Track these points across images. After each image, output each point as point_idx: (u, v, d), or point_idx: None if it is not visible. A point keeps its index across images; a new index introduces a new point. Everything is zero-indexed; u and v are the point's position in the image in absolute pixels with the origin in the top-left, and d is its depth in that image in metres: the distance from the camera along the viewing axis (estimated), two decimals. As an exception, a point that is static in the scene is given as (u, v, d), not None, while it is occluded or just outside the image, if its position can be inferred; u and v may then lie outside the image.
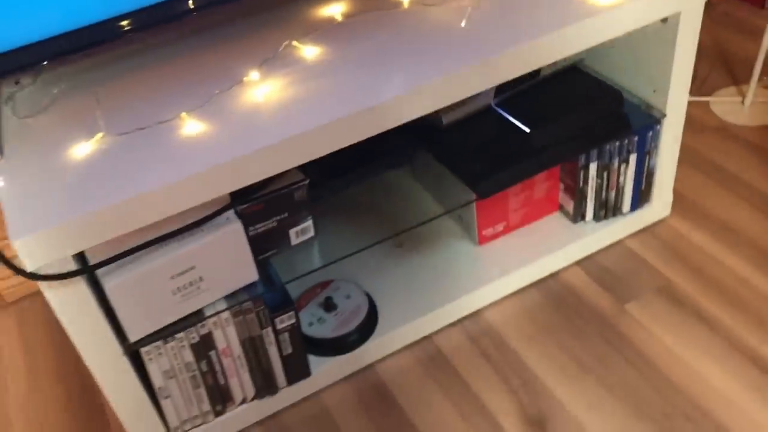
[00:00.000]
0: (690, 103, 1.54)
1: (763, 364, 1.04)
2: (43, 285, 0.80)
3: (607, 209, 1.22)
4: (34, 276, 0.78)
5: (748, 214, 1.28)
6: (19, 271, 0.78)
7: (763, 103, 1.50)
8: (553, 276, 1.22)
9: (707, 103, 1.53)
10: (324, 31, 1.01)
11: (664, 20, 1.06)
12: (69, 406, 1.15)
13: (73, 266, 0.80)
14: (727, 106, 1.52)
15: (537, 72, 1.12)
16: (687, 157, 1.41)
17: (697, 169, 1.38)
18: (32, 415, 1.15)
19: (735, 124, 1.47)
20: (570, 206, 1.23)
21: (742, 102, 1.51)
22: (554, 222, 1.25)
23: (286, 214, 0.95)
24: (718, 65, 1.64)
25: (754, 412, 0.99)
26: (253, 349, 0.99)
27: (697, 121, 1.49)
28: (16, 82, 0.98)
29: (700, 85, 1.59)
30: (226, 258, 0.90)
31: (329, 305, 1.12)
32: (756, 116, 1.48)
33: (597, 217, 1.23)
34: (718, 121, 1.49)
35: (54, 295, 0.81)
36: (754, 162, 1.38)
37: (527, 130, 1.07)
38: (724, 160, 1.39)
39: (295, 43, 0.98)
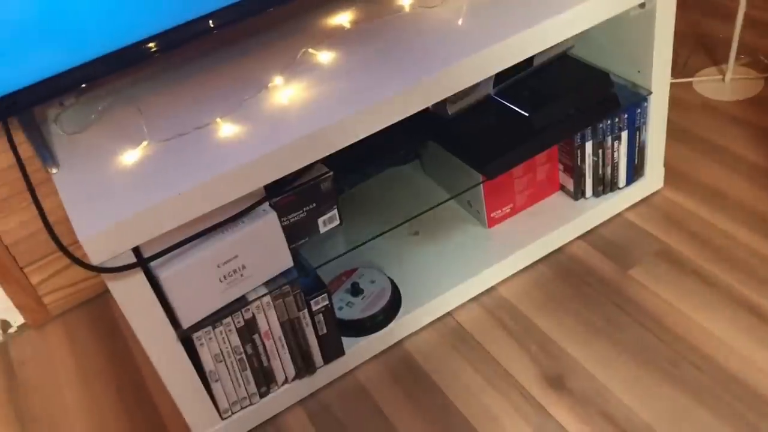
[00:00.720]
0: (674, 85, 1.64)
1: (757, 311, 1.14)
2: (106, 277, 0.89)
3: (605, 185, 1.32)
4: (99, 269, 0.87)
5: (734, 180, 1.37)
6: (87, 265, 0.87)
7: (742, 80, 1.61)
8: (559, 250, 1.31)
9: (690, 83, 1.64)
10: (336, 37, 1.11)
11: (642, 5, 1.16)
12: (123, 403, 1.24)
13: (131, 258, 0.89)
14: (709, 84, 1.62)
15: (530, 61, 1.22)
16: (675, 133, 1.51)
17: (686, 144, 1.48)
18: (89, 416, 1.23)
19: (718, 101, 1.57)
20: (570, 185, 1.32)
21: (723, 80, 1.62)
22: (557, 201, 1.35)
23: (314, 205, 1.05)
24: (697, 48, 1.74)
25: (752, 353, 1.08)
26: (292, 331, 1.08)
27: (682, 101, 1.60)
28: (61, 104, 1.08)
29: (682, 67, 1.69)
30: (265, 246, 1.00)
31: (356, 290, 1.21)
32: (736, 92, 1.58)
33: (596, 193, 1.33)
34: (701, 99, 1.59)
35: (116, 286, 0.90)
36: (738, 133, 1.48)
37: (526, 114, 1.16)
38: (709, 133, 1.49)
39: (311, 50, 1.08)
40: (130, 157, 0.95)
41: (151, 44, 1.02)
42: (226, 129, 0.97)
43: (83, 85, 1.01)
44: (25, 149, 1.21)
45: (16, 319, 1.41)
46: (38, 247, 1.35)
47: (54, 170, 0.96)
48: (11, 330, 1.42)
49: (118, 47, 1.00)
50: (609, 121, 1.23)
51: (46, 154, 0.97)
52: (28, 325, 1.43)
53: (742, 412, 1.01)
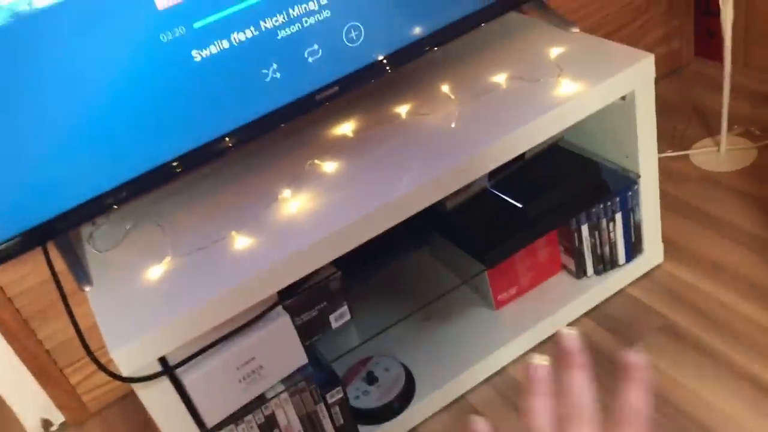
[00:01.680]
0: (672, 158, 1.71)
1: (760, 384, 1.17)
2: (136, 386, 0.98)
3: (605, 263, 1.38)
4: (130, 380, 0.96)
5: (734, 251, 1.42)
6: (117, 376, 0.96)
7: (737, 150, 1.67)
8: (565, 328, 1.37)
9: (687, 155, 1.70)
10: (339, 147, 1.22)
11: (623, 98, 1.25)
12: (155, 496, 1.31)
13: (158, 367, 0.98)
14: (704, 156, 1.69)
15: (522, 155, 1.31)
16: (674, 206, 1.57)
17: (685, 216, 1.54)
18: None
19: (714, 172, 1.64)
20: (572, 264, 1.39)
21: (718, 151, 1.68)
22: (560, 280, 1.41)
23: (324, 303, 1.13)
24: (693, 120, 1.81)
25: (756, 427, 1.11)
26: (311, 424, 1.15)
27: (679, 173, 1.66)
28: (93, 223, 1.19)
29: (679, 140, 1.76)
30: (280, 346, 1.08)
31: (371, 379, 1.28)
32: (731, 162, 1.64)
33: (597, 272, 1.39)
34: (698, 171, 1.65)
35: (145, 393, 0.99)
36: (735, 203, 1.53)
37: (520, 205, 1.24)
38: (707, 205, 1.55)
39: (317, 161, 1.19)
40: (155, 272, 1.05)
41: (176, 164, 1.12)
42: (241, 241, 1.06)
43: (115, 207, 1.12)
44: (59, 262, 1.32)
45: (57, 417, 1.50)
46: (76, 350, 1.44)
47: (88, 288, 1.06)
48: (53, 429, 1.50)
49: (147, 169, 1.11)
50: (602, 206, 1.30)
51: (81, 273, 1.07)
52: (69, 423, 1.51)
53: (746, 487, 1.04)
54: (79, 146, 1.02)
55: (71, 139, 1.01)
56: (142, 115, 1.05)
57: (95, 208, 1.08)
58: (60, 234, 1.08)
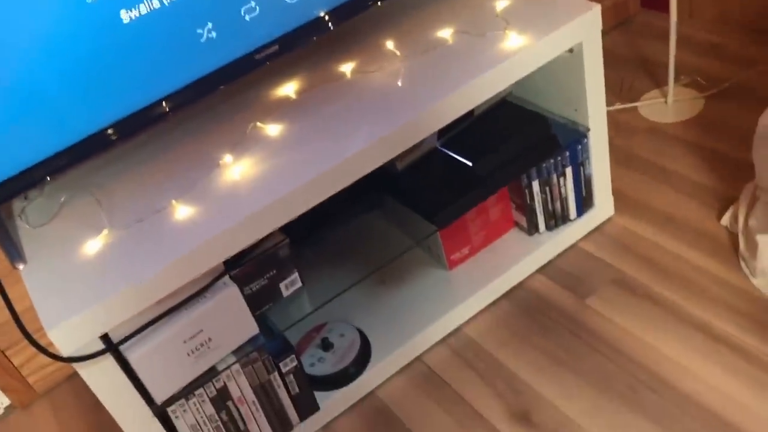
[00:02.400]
0: (620, 111, 1.71)
1: (709, 331, 1.19)
2: (77, 366, 0.93)
3: (557, 218, 1.38)
4: (70, 359, 0.92)
5: (681, 201, 1.43)
6: (56, 357, 0.92)
7: (684, 101, 1.68)
8: (519, 285, 1.37)
9: (635, 108, 1.71)
10: (282, 109, 1.17)
11: (570, 50, 1.23)
12: (109, 475, 1.28)
13: (100, 345, 0.94)
14: (652, 107, 1.69)
15: (471, 112, 1.28)
16: (622, 159, 1.57)
17: (634, 169, 1.54)
18: (77, 490, 1.27)
19: (662, 123, 1.64)
20: (523, 221, 1.38)
21: (665, 102, 1.68)
22: (512, 238, 1.40)
23: (274, 271, 1.10)
24: (641, 72, 1.81)
25: (705, 373, 1.13)
26: (265, 394, 1.12)
27: (628, 126, 1.66)
28: (25, 197, 1.13)
29: (627, 92, 1.76)
30: (229, 317, 1.04)
31: (326, 345, 1.26)
32: (679, 113, 1.65)
33: (549, 227, 1.39)
34: (646, 123, 1.66)
35: (88, 373, 0.95)
36: (683, 154, 1.54)
37: (470, 163, 1.22)
38: (656, 157, 1.56)
39: (259, 124, 1.14)
40: (93, 246, 1.00)
41: (111, 132, 1.07)
42: (182, 210, 1.02)
43: (48, 179, 1.06)
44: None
45: (2, 401, 1.45)
46: (17, 331, 1.38)
47: (21, 266, 1.01)
48: (-2, 412, 1.45)
49: (80, 138, 1.05)
50: (552, 161, 1.29)
51: (13, 251, 1.02)
52: (15, 406, 1.46)
53: (698, 432, 1.06)
54: (6, 116, 0.96)
55: (-5, 109, 0.95)
56: (71, 82, 1.00)
57: (26, 181, 1.03)
58: (-12, 210, 1.02)
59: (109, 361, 0.96)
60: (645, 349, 1.19)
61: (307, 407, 1.18)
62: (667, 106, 1.68)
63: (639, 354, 1.19)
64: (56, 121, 1.02)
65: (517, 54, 1.13)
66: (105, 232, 1.02)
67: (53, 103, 1.00)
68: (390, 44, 1.24)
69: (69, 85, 1.00)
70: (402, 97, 1.11)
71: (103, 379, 0.96)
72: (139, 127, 1.09)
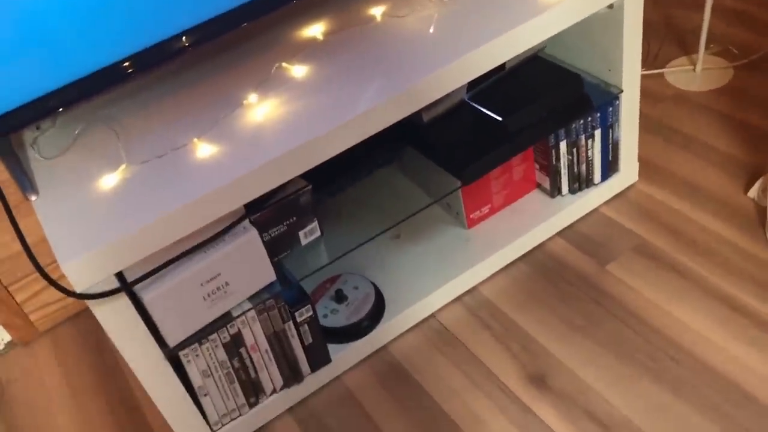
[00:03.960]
0: (646, 77, 1.66)
1: (731, 302, 1.17)
2: (91, 303, 0.90)
3: (581, 182, 1.34)
4: (83, 296, 0.88)
5: (707, 170, 1.40)
6: (69, 292, 0.88)
7: (713, 69, 1.63)
8: (538, 248, 1.34)
9: (662, 74, 1.66)
10: (309, 50, 1.12)
11: (611, 6, 1.18)
12: (113, 416, 1.26)
13: (115, 283, 0.91)
14: (680, 75, 1.64)
15: (502, 66, 1.23)
16: (648, 125, 1.53)
17: (659, 136, 1.51)
18: (81, 431, 1.25)
19: (689, 91, 1.60)
20: (546, 183, 1.34)
21: (694, 70, 1.64)
22: (534, 199, 1.37)
23: (294, 218, 1.06)
24: (669, 38, 1.76)
25: (726, 344, 1.11)
26: (278, 343, 1.10)
27: (654, 92, 1.62)
28: (37, 128, 1.09)
29: (653, 59, 1.71)
30: (247, 262, 1.01)
31: (340, 297, 1.23)
32: (707, 82, 1.61)
33: (572, 190, 1.35)
34: (673, 90, 1.61)
35: (101, 311, 0.91)
36: (709, 123, 1.50)
37: (499, 118, 1.18)
38: (682, 124, 1.52)
39: (284, 64, 1.09)
40: (109, 180, 0.96)
41: (127, 64, 1.03)
42: (204, 149, 0.98)
43: (60, 110, 1.01)
44: (0, 171, 1.21)
45: (4, 337, 1.42)
46: (22, 266, 1.35)
47: (33, 197, 0.97)
48: (-1, 348, 1.43)
49: (95, 69, 1.01)
50: (582, 121, 1.25)
51: (25, 181, 0.97)
52: (16, 343, 1.43)
53: (718, 404, 1.04)
54: (18, 42, 0.91)
55: (7, 31, 0.90)
56: (88, 9, 0.94)
57: (38, 110, 0.98)
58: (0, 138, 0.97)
59: (122, 301, 0.92)
60: (666, 318, 1.17)
61: (319, 358, 1.16)
62: (695, 73, 1.63)
63: (659, 323, 1.17)
64: (70, 50, 0.97)
65: (556, 6, 1.08)
66: (123, 166, 0.97)
67: (68, 31, 0.95)
68: (423, -11, 1.19)
69: (85, 13, 0.95)
70: (432, 45, 1.07)
71: (116, 319, 0.93)
72: (156, 62, 1.04)
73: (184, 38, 1.05)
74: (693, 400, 1.05)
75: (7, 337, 1.42)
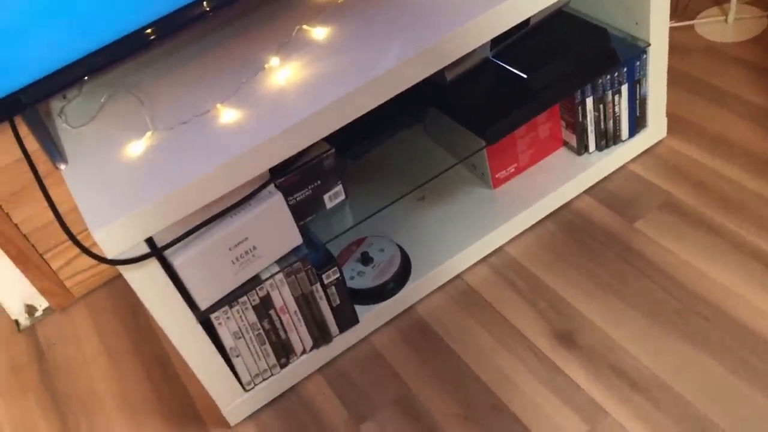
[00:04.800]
0: (675, 29, 1.62)
1: (764, 258, 1.15)
2: (122, 269, 0.92)
3: (608, 138, 1.32)
4: (115, 262, 0.90)
5: (738, 124, 1.37)
6: (101, 259, 0.90)
7: (746, 19, 1.58)
8: (565, 206, 1.33)
9: (692, 26, 1.62)
10: (329, 11, 1.11)
11: (638, -43, 1.15)
12: (150, 378, 1.29)
13: (145, 249, 0.92)
14: (711, 26, 1.60)
15: (527, 22, 1.21)
16: (677, 79, 1.50)
17: (689, 90, 1.47)
18: (119, 392, 1.29)
19: (721, 43, 1.55)
20: (573, 141, 1.33)
21: (726, 20, 1.59)
22: (561, 157, 1.36)
23: (318, 182, 1.07)
24: (700, -12, 1.71)
25: (760, 302, 1.10)
26: (307, 304, 1.11)
27: (684, 45, 1.58)
28: (64, 97, 1.10)
29: (683, 10, 1.67)
30: (273, 226, 1.02)
31: (366, 259, 1.24)
32: (739, 32, 1.56)
33: (599, 147, 1.33)
34: (704, 42, 1.57)
35: (132, 277, 0.93)
36: (741, 75, 1.46)
37: (524, 75, 1.16)
38: (712, 77, 1.48)
39: (305, 26, 1.08)
40: (136, 148, 0.97)
41: (149, 30, 1.03)
42: (227, 114, 0.98)
43: (86, 78, 1.02)
44: (30, 141, 1.23)
45: (41, 303, 1.46)
46: (56, 234, 1.38)
47: (63, 166, 0.98)
48: (37, 314, 1.47)
49: (118, 37, 1.01)
50: (608, 76, 1.23)
51: (54, 150, 0.99)
52: (53, 309, 1.47)
53: (749, 361, 1.03)
54: (40, 10, 0.91)
55: (31, 2, 0.90)
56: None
57: (64, 79, 0.99)
58: (27, 108, 0.98)
59: (153, 266, 0.94)
60: (696, 276, 1.16)
61: (347, 319, 1.18)
62: (727, 24, 1.59)
63: (690, 280, 1.16)
64: (93, 18, 0.97)
65: (582, -42, 1.06)
66: (148, 133, 0.98)
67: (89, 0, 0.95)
68: (444, -55, 1.16)
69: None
70: (455, 2, 1.05)
71: (148, 284, 0.95)
72: (178, 27, 1.04)
73: (204, 3, 1.05)
74: (722, 358, 1.05)
75: (45, 304, 1.46)
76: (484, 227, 1.28)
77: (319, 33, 1.08)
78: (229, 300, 1.03)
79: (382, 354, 1.20)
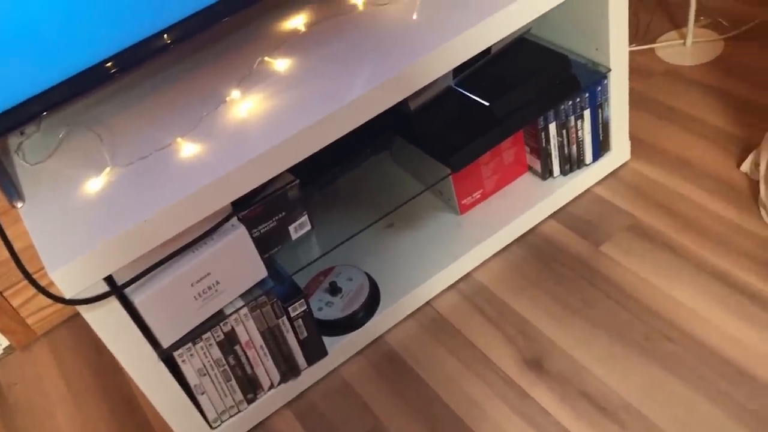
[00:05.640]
0: (636, 52, 1.64)
1: (727, 279, 1.16)
2: (81, 308, 0.90)
3: (572, 163, 1.34)
4: (73, 302, 0.88)
5: (698, 145, 1.39)
6: (59, 299, 0.88)
7: (703, 42, 1.62)
8: (531, 231, 1.33)
9: (653, 50, 1.64)
10: (291, 42, 1.11)
11: (595, -15, 1.17)
12: (115, 417, 1.26)
13: (104, 287, 0.90)
14: (670, 49, 1.63)
15: (488, 50, 1.22)
16: (639, 102, 1.52)
17: (651, 113, 1.50)
18: None
19: (680, 66, 1.58)
20: (537, 165, 1.34)
21: (684, 44, 1.62)
22: (526, 182, 1.36)
23: (283, 213, 1.06)
24: (659, 13, 1.74)
25: (722, 322, 1.11)
26: (273, 338, 1.10)
27: (645, 68, 1.60)
28: (21, 133, 1.08)
29: (644, 33, 1.70)
30: (237, 260, 1.01)
31: (334, 289, 1.23)
32: (698, 56, 1.59)
33: (564, 172, 1.34)
34: (664, 65, 1.60)
35: (92, 316, 0.91)
36: (701, 98, 1.49)
37: (487, 103, 1.17)
38: (673, 100, 1.51)
39: (267, 58, 1.08)
40: (95, 184, 0.96)
41: (110, 64, 1.02)
42: (188, 148, 0.97)
43: (44, 113, 1.01)
44: (-9, 177, 1.21)
45: (2, 342, 1.42)
46: (15, 271, 1.35)
47: (20, 204, 0.96)
48: (-2, 353, 1.43)
49: (78, 71, 1.00)
50: (570, 102, 1.24)
51: (11, 188, 0.97)
52: (14, 347, 1.44)
53: (715, 382, 1.04)
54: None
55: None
56: (67, 11, 0.93)
57: (21, 116, 0.98)
58: (-18, 146, 0.97)
59: (113, 304, 0.92)
60: (661, 298, 1.17)
61: (315, 351, 1.16)
62: (685, 48, 1.62)
63: (655, 302, 1.16)
64: (51, 52, 0.96)
65: (540, -13, 1.07)
66: (107, 169, 0.97)
67: (48, 33, 0.94)
68: (404, -25, 1.17)
69: (64, 15, 0.94)
70: (416, 32, 1.05)
71: (108, 323, 0.93)
72: (139, 60, 1.04)
73: (165, 36, 1.04)
74: (689, 379, 1.05)
75: (6, 342, 1.42)
76: (452, 254, 1.28)
77: (281, 65, 1.07)
78: (192, 336, 1.01)
79: (352, 385, 1.19)
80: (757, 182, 1.27)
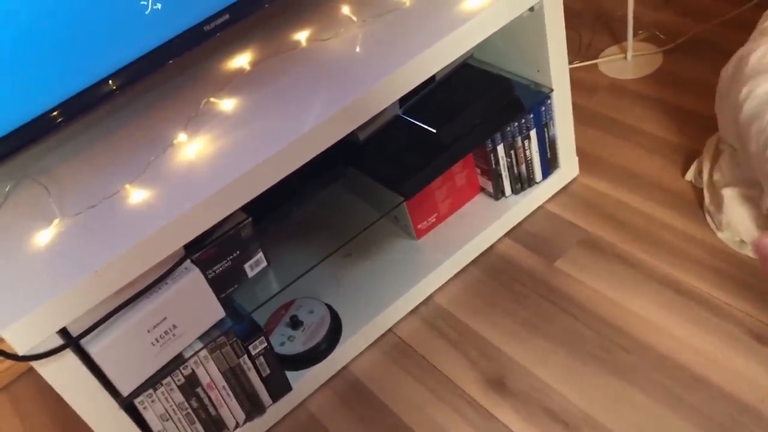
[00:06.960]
0: (580, 68, 1.69)
1: (677, 287, 1.19)
2: (35, 364, 0.89)
3: (522, 182, 1.36)
4: (26, 358, 0.87)
5: (642, 157, 1.43)
6: (11, 356, 0.87)
7: (643, 56, 1.67)
8: (487, 251, 1.35)
9: (596, 65, 1.69)
10: (236, 82, 1.12)
11: (531, 9, 1.20)
12: (78, 468, 1.24)
13: (58, 341, 0.89)
14: (613, 64, 1.68)
15: (432, 77, 1.24)
16: (585, 117, 1.56)
17: (596, 127, 1.53)
18: (46, 485, 1.23)
19: (622, 79, 1.63)
20: (489, 186, 1.36)
21: (625, 58, 1.67)
22: (479, 203, 1.39)
23: (237, 252, 1.06)
24: (599, 29, 1.79)
25: (676, 329, 1.14)
26: (235, 378, 1.09)
27: (589, 84, 1.65)
28: (-34, 188, 1.07)
29: (586, 49, 1.74)
30: (193, 303, 1.01)
31: (295, 323, 1.23)
32: (638, 69, 1.64)
33: (515, 191, 1.37)
34: (607, 80, 1.64)
35: (47, 371, 0.90)
36: (644, 110, 1.53)
37: (434, 130, 1.19)
38: (618, 113, 1.55)
39: (212, 99, 1.09)
40: (44, 237, 0.95)
41: (55, 113, 1.01)
42: (137, 194, 0.97)
43: (-12, 165, 1.00)
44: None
45: (-40, 398, 1.39)
46: (-30, 325, 1.32)
47: (-33, 262, 0.95)
48: (-44, 410, 1.40)
49: (22, 122, 0.99)
50: (516, 124, 1.27)
51: (-43, 245, 0.96)
52: (-27, 403, 1.41)
53: (672, 389, 1.06)
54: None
55: None
56: (9, 60, 0.93)
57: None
58: (-74, 204, 0.96)
59: (69, 357, 0.91)
60: (615, 309, 1.19)
61: (279, 388, 1.16)
62: (627, 61, 1.66)
63: (610, 314, 1.19)
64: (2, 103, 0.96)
65: (477, 15, 1.10)
66: (56, 221, 0.96)
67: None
68: (345, 9, 1.19)
69: (7, 64, 0.93)
70: (360, 64, 1.07)
71: (65, 376, 0.92)
72: (84, 108, 1.04)
73: (110, 81, 1.04)
74: (647, 388, 1.07)
75: (-36, 398, 1.39)
76: (412, 278, 1.29)
77: (227, 104, 1.08)
78: (152, 382, 1.01)
79: (319, 418, 1.19)
80: (702, 190, 1.31)
